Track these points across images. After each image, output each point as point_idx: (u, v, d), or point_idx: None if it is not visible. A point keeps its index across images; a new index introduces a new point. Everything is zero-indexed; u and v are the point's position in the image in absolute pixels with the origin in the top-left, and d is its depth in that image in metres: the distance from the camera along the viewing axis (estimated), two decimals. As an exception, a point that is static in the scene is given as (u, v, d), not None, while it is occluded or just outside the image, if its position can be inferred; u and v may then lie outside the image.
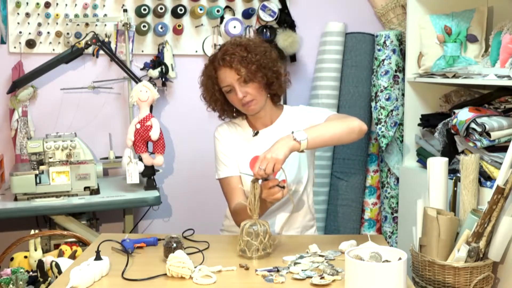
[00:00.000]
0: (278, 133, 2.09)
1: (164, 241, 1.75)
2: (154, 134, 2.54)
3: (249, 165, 2.06)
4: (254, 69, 1.96)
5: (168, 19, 2.98)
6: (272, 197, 1.74)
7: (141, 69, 2.95)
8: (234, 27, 2.95)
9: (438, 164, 2.03)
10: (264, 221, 1.76)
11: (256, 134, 2.11)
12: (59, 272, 1.84)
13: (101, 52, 2.81)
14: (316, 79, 3.07)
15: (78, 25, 2.88)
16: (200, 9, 2.93)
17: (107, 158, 2.89)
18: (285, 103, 2.98)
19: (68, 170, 2.49)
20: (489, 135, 2.12)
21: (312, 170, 2.16)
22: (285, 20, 3.03)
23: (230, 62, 1.95)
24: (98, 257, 1.62)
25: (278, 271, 1.62)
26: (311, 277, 1.56)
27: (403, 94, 2.86)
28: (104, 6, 2.91)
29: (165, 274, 1.59)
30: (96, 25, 2.89)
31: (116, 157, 2.87)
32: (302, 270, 1.60)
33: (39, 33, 2.86)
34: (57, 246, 2.41)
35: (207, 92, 2.07)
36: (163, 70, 2.90)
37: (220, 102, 2.07)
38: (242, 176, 2.08)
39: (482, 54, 2.55)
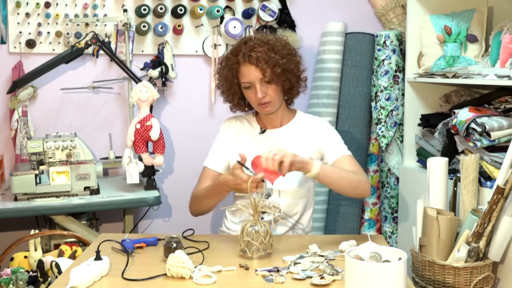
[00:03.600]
0: (285, 136, 2.08)
1: (164, 241, 1.75)
2: (154, 134, 2.54)
3: (251, 164, 2.06)
4: (280, 72, 1.95)
5: (168, 19, 2.98)
6: (238, 181, 1.81)
7: (141, 69, 2.95)
8: (234, 27, 2.95)
9: (438, 164, 2.03)
10: (265, 222, 1.77)
11: (263, 132, 2.11)
12: (59, 272, 1.84)
13: (101, 52, 2.80)
14: (316, 79, 3.07)
15: (78, 25, 2.88)
16: (200, 9, 2.92)
17: (107, 158, 2.88)
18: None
19: (68, 170, 2.49)
20: (489, 135, 2.12)
21: (312, 198, 2.19)
22: (285, 20, 3.03)
23: (256, 60, 1.93)
24: (98, 257, 1.62)
25: (278, 271, 1.62)
26: (311, 277, 1.56)
27: (403, 94, 2.86)
28: (104, 6, 2.91)
29: (165, 274, 1.59)
30: (96, 25, 2.89)
31: (116, 157, 2.87)
32: (302, 270, 1.60)
33: (39, 33, 2.86)
34: (57, 246, 2.41)
35: (226, 83, 2.06)
36: (163, 70, 2.89)
37: (238, 96, 2.07)
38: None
39: (482, 54, 2.55)
